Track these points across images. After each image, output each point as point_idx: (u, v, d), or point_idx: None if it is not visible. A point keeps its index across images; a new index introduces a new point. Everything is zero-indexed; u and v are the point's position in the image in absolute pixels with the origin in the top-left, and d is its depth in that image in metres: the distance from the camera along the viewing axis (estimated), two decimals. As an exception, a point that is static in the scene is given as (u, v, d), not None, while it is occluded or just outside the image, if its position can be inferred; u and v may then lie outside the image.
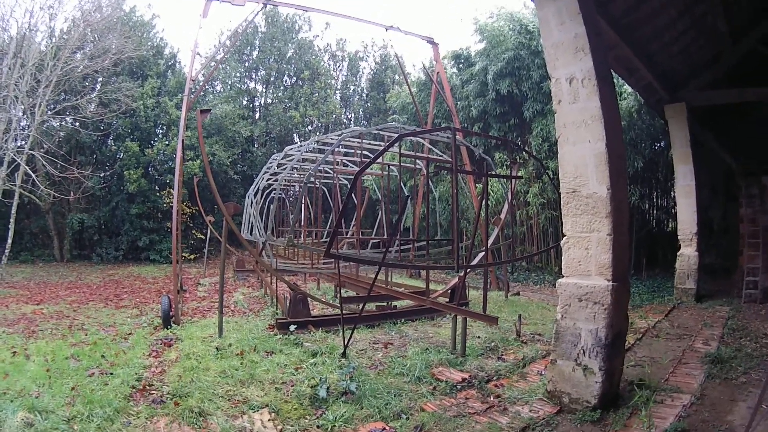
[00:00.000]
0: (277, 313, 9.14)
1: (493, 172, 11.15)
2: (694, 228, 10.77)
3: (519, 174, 14.75)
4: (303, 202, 16.07)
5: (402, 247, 11.73)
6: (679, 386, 5.05)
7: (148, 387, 5.17)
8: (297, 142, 25.30)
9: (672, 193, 12.65)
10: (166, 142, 21.82)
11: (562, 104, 4.82)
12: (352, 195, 9.47)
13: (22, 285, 14.18)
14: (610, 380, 4.46)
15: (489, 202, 15.11)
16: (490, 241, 9.39)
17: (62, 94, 19.20)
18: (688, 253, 10.81)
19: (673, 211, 12.50)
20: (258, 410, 4.58)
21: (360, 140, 9.78)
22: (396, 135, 6.57)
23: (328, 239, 10.25)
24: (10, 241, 14.17)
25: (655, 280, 13.20)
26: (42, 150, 16.15)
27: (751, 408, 4.11)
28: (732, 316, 8.82)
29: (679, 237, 11.08)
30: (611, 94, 4.80)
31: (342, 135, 9.32)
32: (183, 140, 10.37)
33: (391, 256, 10.23)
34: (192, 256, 21.97)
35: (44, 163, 15.60)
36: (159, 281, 15.84)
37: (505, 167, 15.79)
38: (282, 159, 12.00)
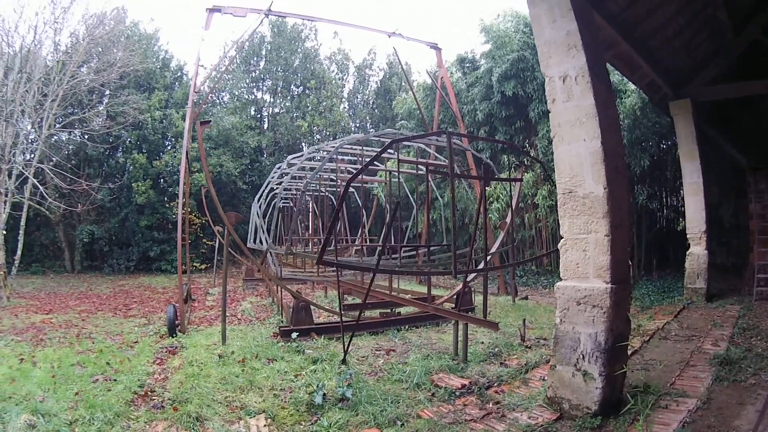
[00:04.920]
0: (282, 321, 9.14)
1: (494, 176, 11.08)
2: (703, 226, 10.59)
3: (526, 177, 14.71)
4: (308, 209, 16.09)
5: (409, 253, 11.67)
6: (686, 390, 4.91)
7: (150, 393, 5.26)
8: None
9: (681, 191, 12.47)
10: (174, 154, 21.94)
11: (556, 103, 4.75)
12: (359, 202, 9.44)
13: (33, 295, 14.30)
14: (611, 385, 4.35)
15: (498, 206, 15.05)
16: (495, 246, 9.34)
17: (69, 107, 19.39)
18: (697, 251, 10.63)
19: (682, 209, 12.32)
20: (255, 416, 4.59)
21: (361, 147, 9.77)
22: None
23: (333, 246, 10.24)
24: (19, 252, 14.29)
25: (665, 281, 12.98)
26: (51, 163, 16.32)
27: (759, 411, 3.98)
28: (743, 315, 8.59)
29: (688, 235, 10.89)
30: (607, 90, 4.73)
31: (339, 143, 9.31)
32: (187, 151, 10.45)
33: (395, 263, 10.16)
34: (202, 266, 22.09)
35: (52, 176, 15.74)
36: (168, 291, 15.90)
37: (513, 170, 15.70)
38: (286, 168, 12.04)
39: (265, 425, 4.38)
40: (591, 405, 4.29)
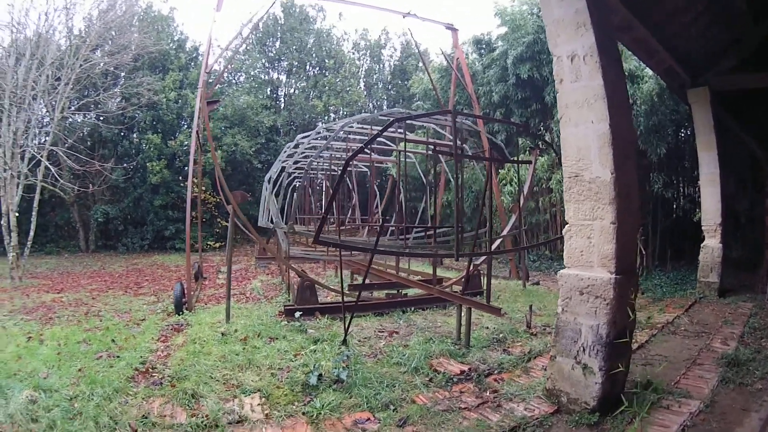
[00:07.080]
0: (288, 300, 9.16)
1: (503, 159, 10.91)
2: (719, 218, 10.28)
3: (541, 160, 14.52)
4: (321, 188, 16.10)
5: (418, 235, 11.62)
6: (689, 390, 4.74)
7: (150, 370, 5.31)
8: (319, 131, 25.44)
9: (698, 182, 12.18)
10: (189, 134, 22.01)
11: (563, 83, 4.57)
12: (359, 181, 9.39)
13: (46, 275, 14.48)
14: (610, 381, 4.19)
15: (511, 189, 14.91)
16: (507, 228, 9.23)
17: (84, 90, 19.49)
18: (711, 244, 10.32)
19: (699, 200, 12.02)
20: (250, 394, 4.60)
21: (370, 126, 9.68)
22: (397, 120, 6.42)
23: (346, 226, 10.18)
24: (32, 233, 14.39)
25: (679, 272, 12.70)
26: (65, 145, 16.42)
27: (762, 420, 3.84)
28: (755, 314, 8.30)
29: (702, 227, 10.59)
30: (616, 71, 4.53)
31: (345, 122, 9.23)
32: (198, 131, 10.46)
33: (404, 243, 10.09)
34: (217, 245, 22.33)
35: (65, 158, 15.84)
36: (181, 269, 15.98)
37: (528, 153, 15.48)
38: (295, 147, 12.00)
39: (258, 404, 4.37)
40: (589, 400, 4.16)
